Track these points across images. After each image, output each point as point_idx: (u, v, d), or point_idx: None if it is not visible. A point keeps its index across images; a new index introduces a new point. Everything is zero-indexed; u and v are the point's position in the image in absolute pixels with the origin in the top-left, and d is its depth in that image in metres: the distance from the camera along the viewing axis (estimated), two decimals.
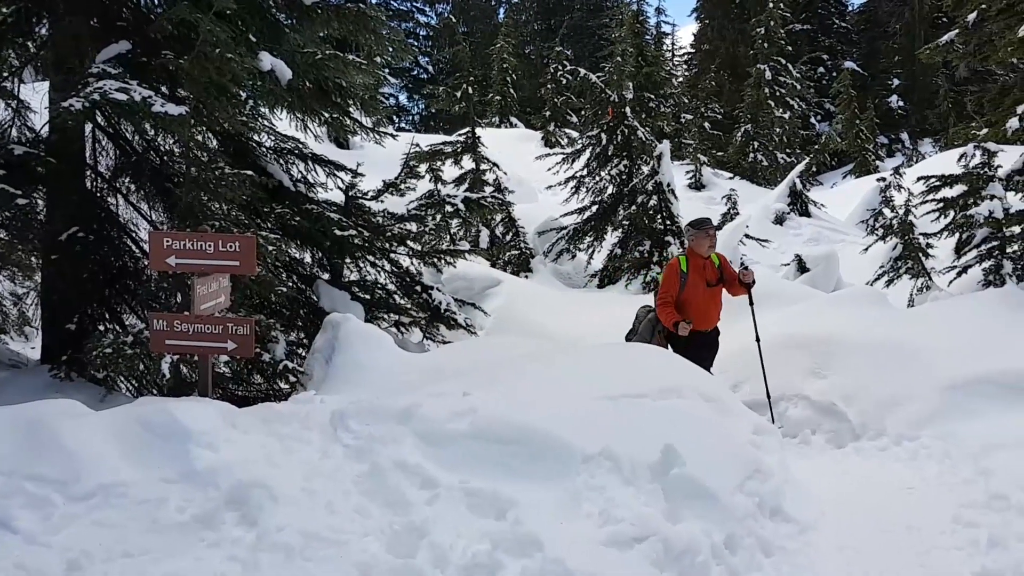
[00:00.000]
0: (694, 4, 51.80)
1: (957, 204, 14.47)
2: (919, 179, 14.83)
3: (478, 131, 20.06)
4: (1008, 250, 13.60)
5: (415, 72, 49.83)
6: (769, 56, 36.32)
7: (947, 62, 18.78)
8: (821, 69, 46.34)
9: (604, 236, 17.57)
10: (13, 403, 4.94)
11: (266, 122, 8.81)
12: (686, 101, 37.78)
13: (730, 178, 31.00)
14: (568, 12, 54.90)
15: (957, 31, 16.28)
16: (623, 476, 4.85)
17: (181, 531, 4.15)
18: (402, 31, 9.99)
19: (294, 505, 4.38)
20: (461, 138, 19.87)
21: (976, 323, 8.03)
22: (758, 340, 8.11)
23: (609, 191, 18.24)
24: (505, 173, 19.67)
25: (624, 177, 18.16)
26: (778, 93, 35.90)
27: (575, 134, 29.55)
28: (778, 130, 35.09)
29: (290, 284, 8.49)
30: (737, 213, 21.40)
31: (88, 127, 7.70)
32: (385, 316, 9.18)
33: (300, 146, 9.00)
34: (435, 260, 9.78)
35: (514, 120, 37.82)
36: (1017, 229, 13.48)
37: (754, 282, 8.15)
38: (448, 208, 12.30)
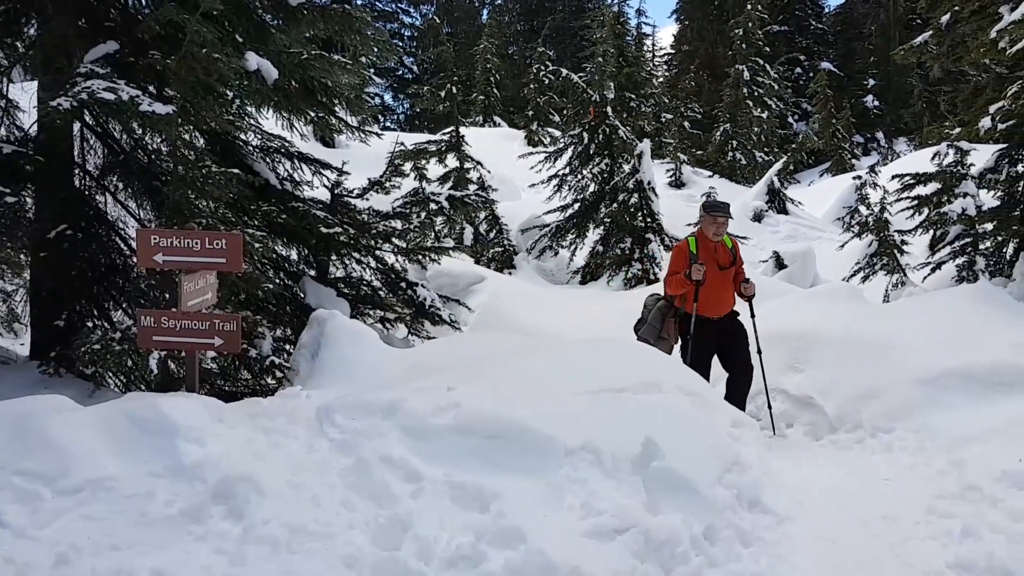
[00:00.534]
0: (674, 6, 51.92)
1: (931, 202, 14.57)
2: (894, 177, 14.92)
3: (462, 130, 20.02)
4: (980, 247, 13.69)
5: (400, 72, 49.68)
6: (747, 57, 36.39)
7: (921, 63, 18.80)
8: (798, 70, 46.45)
9: (586, 233, 17.59)
10: (2, 399, 4.90)
11: (252, 121, 8.79)
12: (666, 101, 37.78)
13: (709, 176, 31.09)
14: (550, 13, 54.80)
15: (931, 32, 16.32)
16: (604, 469, 4.85)
17: (168, 525, 4.13)
18: (387, 32, 9.95)
19: (280, 499, 4.36)
20: (445, 137, 19.83)
21: (950, 318, 8.08)
22: (759, 352, 7.83)
23: (591, 189, 18.26)
24: (489, 171, 19.66)
25: (605, 175, 18.18)
26: (756, 93, 35.97)
27: (557, 133, 29.52)
28: (756, 129, 35.15)
29: (277, 281, 8.46)
30: None
31: (76, 126, 7.66)
32: (370, 312, 9.17)
33: (286, 145, 8.98)
34: (420, 257, 9.77)
35: (497, 119, 37.75)
36: (989, 226, 13.57)
37: (754, 295, 7.93)
38: (433, 206, 12.30)
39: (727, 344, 7.72)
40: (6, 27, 7.42)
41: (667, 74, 52.91)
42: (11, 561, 3.78)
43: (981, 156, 14.22)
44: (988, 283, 9.90)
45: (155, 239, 5.48)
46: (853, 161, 37.21)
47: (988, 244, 13.78)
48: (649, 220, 16.75)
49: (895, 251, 15.07)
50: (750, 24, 36.93)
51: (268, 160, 8.75)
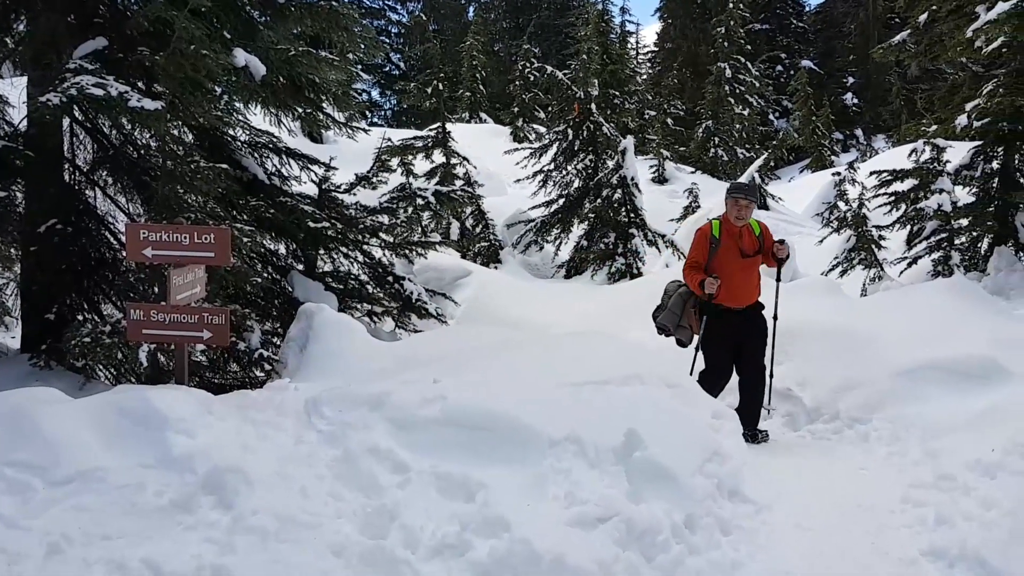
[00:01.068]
0: (657, 4, 51.85)
1: (908, 198, 14.67)
2: (872, 174, 15.01)
3: (448, 126, 20.00)
4: (956, 242, 13.80)
5: (387, 68, 49.48)
6: (729, 55, 36.43)
7: (899, 61, 18.92)
8: (779, 67, 46.52)
9: (571, 228, 17.64)
10: None
11: (241, 117, 8.76)
12: (650, 98, 37.84)
13: (692, 172, 31.11)
14: (536, 11, 54.69)
15: (909, 31, 16.41)
16: (588, 459, 4.87)
17: (159, 515, 4.14)
18: (374, 28, 9.95)
19: (269, 489, 4.37)
20: (432, 133, 19.80)
21: (926, 312, 8.13)
22: (775, 318, 7.53)
23: (575, 185, 18.30)
24: (475, 167, 19.64)
25: (590, 171, 18.23)
26: (738, 90, 36.01)
27: (543, 129, 29.53)
28: (738, 126, 35.20)
29: (265, 275, 8.45)
30: (699, 206, 21.50)
31: (66, 121, 7.62)
32: (358, 306, 9.16)
33: (274, 140, 8.95)
34: (407, 251, 9.77)
35: (484, 116, 37.70)
36: (964, 222, 13.67)
37: (788, 257, 7.49)
38: (419, 201, 12.21)
39: (745, 342, 7.23)
40: None
41: (650, 71, 52.88)
42: (3, 551, 3.79)
43: (957, 153, 14.32)
44: (963, 278, 9.96)
45: (144, 233, 5.47)
46: (832, 158, 37.31)
47: (963, 239, 13.90)
48: (632, 215, 16.79)
49: (873, 246, 15.13)
50: (732, 22, 36.97)
51: (256, 155, 8.72)
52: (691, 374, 7.12)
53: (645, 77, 49.24)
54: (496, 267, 16.67)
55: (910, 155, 14.74)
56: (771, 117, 43.24)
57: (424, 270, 12.32)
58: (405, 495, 4.50)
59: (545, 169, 19.04)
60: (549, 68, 20.62)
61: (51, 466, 4.27)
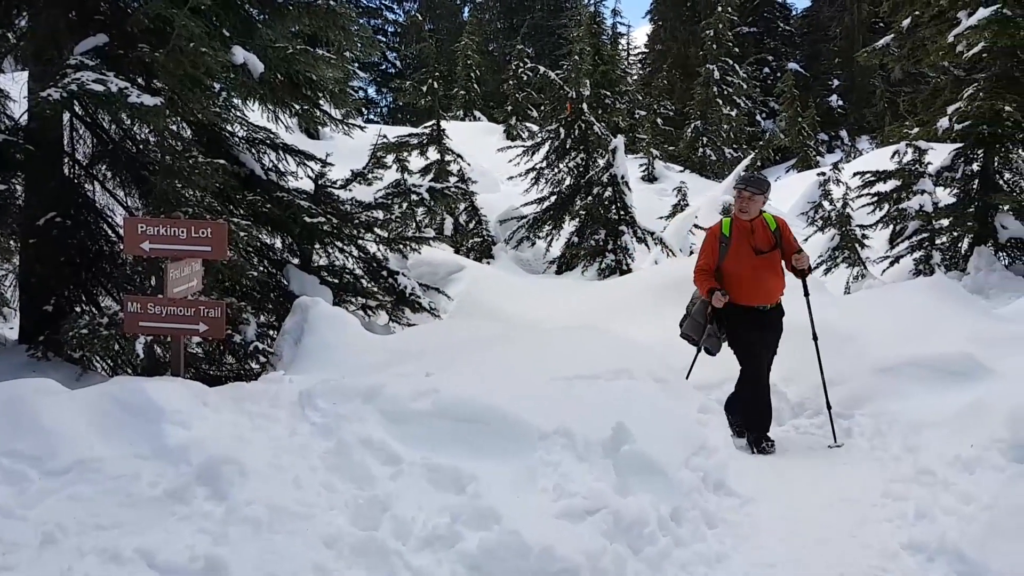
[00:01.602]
0: (648, 6, 51.83)
1: (891, 198, 14.71)
2: (856, 174, 15.05)
3: (443, 124, 19.95)
4: (937, 241, 13.84)
5: (383, 67, 49.38)
6: (718, 57, 36.48)
7: (883, 64, 18.96)
8: (766, 70, 46.57)
9: (562, 225, 17.64)
10: None
11: (239, 113, 8.71)
12: (640, 98, 37.86)
13: (681, 171, 31.18)
14: (529, 12, 54.63)
15: (893, 36, 16.45)
16: (577, 452, 4.86)
17: (153, 505, 4.10)
18: (370, 28, 9.90)
19: (263, 480, 4.34)
20: (427, 130, 19.74)
21: (907, 310, 8.12)
22: (815, 338, 6.91)
23: (567, 182, 18.30)
24: (469, 164, 19.59)
25: (581, 169, 18.22)
26: (726, 92, 36.08)
27: (535, 128, 29.47)
28: (726, 126, 35.26)
29: (261, 269, 8.39)
30: (687, 204, 21.50)
31: (66, 116, 7.56)
32: (352, 300, 9.12)
33: (272, 136, 8.90)
34: (401, 246, 9.73)
35: (478, 114, 37.62)
36: (945, 222, 13.72)
37: (810, 268, 6.93)
38: (414, 197, 12.26)
39: (760, 335, 6.77)
40: None
41: (641, 72, 52.85)
42: None
43: (938, 155, 14.35)
44: (944, 276, 9.98)
45: (142, 227, 5.43)
46: (818, 158, 37.33)
47: (944, 239, 13.94)
48: (622, 213, 16.79)
49: (856, 245, 15.15)
50: (720, 25, 37.03)
51: (254, 151, 8.67)
52: (687, 377, 6.93)
53: (636, 78, 49.24)
54: (489, 262, 16.63)
55: (893, 156, 14.78)
56: (758, 118, 43.28)
57: (418, 265, 12.27)
58: (397, 487, 4.48)
59: (537, 167, 19.01)
60: (542, 68, 20.63)
61: (47, 456, 4.22)
